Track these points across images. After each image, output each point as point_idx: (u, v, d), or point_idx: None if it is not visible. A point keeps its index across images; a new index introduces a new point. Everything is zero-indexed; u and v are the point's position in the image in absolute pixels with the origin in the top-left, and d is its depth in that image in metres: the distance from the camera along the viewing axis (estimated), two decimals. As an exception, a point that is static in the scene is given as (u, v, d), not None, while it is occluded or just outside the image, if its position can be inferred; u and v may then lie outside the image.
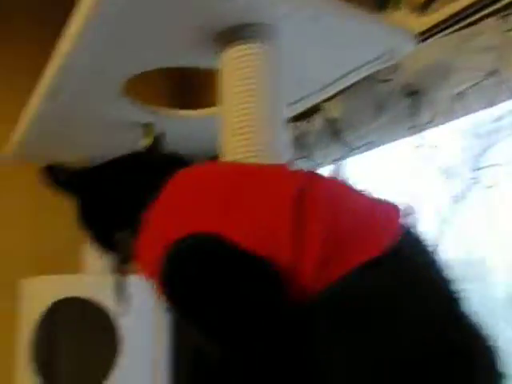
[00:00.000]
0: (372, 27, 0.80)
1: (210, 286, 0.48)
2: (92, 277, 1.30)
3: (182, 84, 1.65)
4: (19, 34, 1.64)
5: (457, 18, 0.91)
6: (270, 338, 0.46)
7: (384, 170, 1.11)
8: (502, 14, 0.86)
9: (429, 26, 0.96)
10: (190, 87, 1.65)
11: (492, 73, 0.88)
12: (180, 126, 1.15)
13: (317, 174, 0.56)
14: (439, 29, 0.93)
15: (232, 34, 0.76)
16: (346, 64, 0.89)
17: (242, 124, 0.74)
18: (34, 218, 1.58)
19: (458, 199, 0.93)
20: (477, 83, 0.90)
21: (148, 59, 0.88)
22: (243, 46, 0.75)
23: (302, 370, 0.46)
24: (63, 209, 1.58)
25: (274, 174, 0.56)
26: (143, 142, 1.13)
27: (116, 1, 0.67)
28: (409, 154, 1.02)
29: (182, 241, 0.50)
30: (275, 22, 0.75)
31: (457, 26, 0.92)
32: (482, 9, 0.88)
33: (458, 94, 0.93)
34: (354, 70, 0.91)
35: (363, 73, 0.92)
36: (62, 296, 1.21)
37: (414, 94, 1.01)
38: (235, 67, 0.76)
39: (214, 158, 0.93)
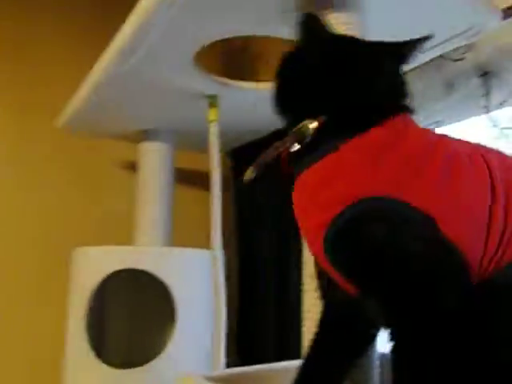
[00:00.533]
0: (460, 0, 0.78)
1: (399, 250, 0.48)
2: (146, 248, 1.32)
3: (247, 56, 1.65)
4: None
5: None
6: (453, 312, 0.46)
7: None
8: None
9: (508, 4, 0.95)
10: (254, 59, 1.65)
11: None
12: (245, 98, 1.16)
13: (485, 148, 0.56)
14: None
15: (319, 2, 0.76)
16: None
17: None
18: (89, 188, 1.61)
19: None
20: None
21: (220, 28, 0.89)
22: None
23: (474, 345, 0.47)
24: (118, 181, 1.62)
25: (468, 152, 0.54)
26: (207, 114, 1.14)
27: None
28: (479, 133, 1.00)
29: (371, 200, 0.48)
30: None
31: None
32: None
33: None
34: (437, 44, 0.90)
35: (447, 47, 0.91)
36: (116, 267, 1.22)
37: (486, 74, 0.99)
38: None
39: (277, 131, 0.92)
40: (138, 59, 0.96)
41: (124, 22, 0.91)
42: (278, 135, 0.58)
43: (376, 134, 0.52)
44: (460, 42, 0.90)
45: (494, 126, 0.98)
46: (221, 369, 1.05)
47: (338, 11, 0.74)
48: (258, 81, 1.14)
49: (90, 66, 1.08)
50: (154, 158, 1.37)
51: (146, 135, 1.37)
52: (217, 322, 1.05)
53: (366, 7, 0.76)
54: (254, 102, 1.15)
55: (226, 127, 1.18)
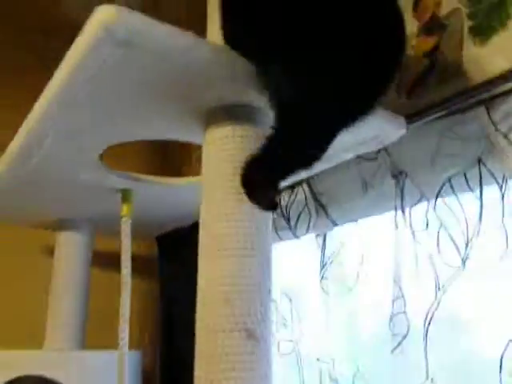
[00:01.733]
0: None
1: None
2: (48, 353, 1.22)
3: (163, 150, 1.64)
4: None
5: (444, 105, 0.91)
6: None
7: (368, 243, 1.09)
8: (487, 104, 0.86)
9: (417, 109, 0.96)
10: (171, 154, 1.64)
11: (476, 161, 0.88)
12: (159, 193, 1.12)
13: None
14: (427, 113, 0.93)
15: (220, 114, 0.74)
16: (336, 144, 0.88)
17: (226, 201, 0.71)
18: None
19: (443, 286, 0.90)
20: (461, 172, 0.89)
21: (130, 131, 0.86)
22: (230, 127, 0.73)
23: None
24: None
25: None
26: (122, 208, 1.09)
27: (100, 67, 0.64)
28: (392, 232, 1.00)
29: None
30: (264, 104, 0.73)
31: (443, 112, 0.92)
32: (469, 97, 0.89)
33: (443, 178, 0.92)
34: (343, 151, 0.90)
35: (351, 153, 0.91)
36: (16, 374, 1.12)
37: (399, 174, 1.00)
38: (220, 147, 0.73)
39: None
40: (40, 160, 0.91)
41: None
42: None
43: None
44: (369, 149, 0.90)
45: (406, 226, 0.97)
46: None
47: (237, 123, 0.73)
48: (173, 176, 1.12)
49: None
50: (70, 250, 1.29)
51: (62, 224, 1.30)
52: None
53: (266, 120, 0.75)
54: (168, 197, 1.12)
55: (147, 216, 1.15)
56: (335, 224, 1.13)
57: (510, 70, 0.83)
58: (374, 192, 1.05)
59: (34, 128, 0.80)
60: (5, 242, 1.50)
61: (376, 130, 0.83)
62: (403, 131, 0.86)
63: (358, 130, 0.82)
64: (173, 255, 1.44)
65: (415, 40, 1.03)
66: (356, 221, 1.09)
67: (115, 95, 0.71)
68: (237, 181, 0.70)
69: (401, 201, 0.99)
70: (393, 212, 0.99)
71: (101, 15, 0.57)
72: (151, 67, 0.64)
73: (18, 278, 1.50)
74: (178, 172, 1.49)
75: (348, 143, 0.88)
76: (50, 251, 1.42)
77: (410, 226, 0.97)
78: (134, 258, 1.28)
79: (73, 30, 0.65)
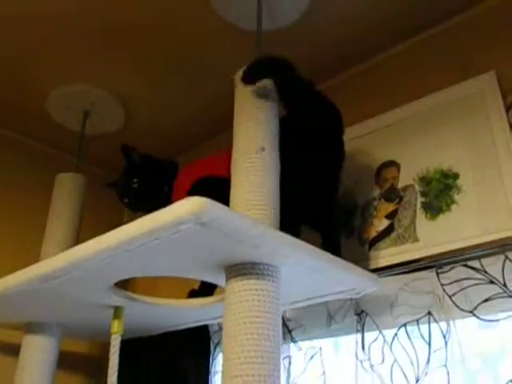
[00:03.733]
0: (348, 271, 0.99)
1: None
2: None
3: None
4: None
5: (402, 266, 1.15)
6: None
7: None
8: (438, 269, 1.11)
9: (377, 260, 1.20)
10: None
11: (427, 312, 1.11)
12: (147, 310, 1.22)
13: None
14: (389, 271, 1.16)
15: (240, 270, 0.90)
16: (318, 290, 1.07)
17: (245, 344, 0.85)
18: None
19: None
20: (415, 319, 1.12)
21: (155, 272, 0.98)
22: (248, 281, 0.88)
23: None
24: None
25: None
26: (113, 325, 1.17)
27: (171, 233, 0.78)
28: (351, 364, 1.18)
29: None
30: (280, 264, 0.90)
31: (401, 270, 1.16)
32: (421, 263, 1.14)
33: (399, 324, 1.14)
34: (322, 296, 1.09)
35: (329, 298, 1.10)
36: None
37: (361, 313, 1.20)
38: (239, 299, 0.88)
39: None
40: (59, 284, 0.99)
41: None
42: None
43: None
44: (346, 297, 1.10)
45: (365, 359, 1.16)
46: None
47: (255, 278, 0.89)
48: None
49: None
50: (36, 354, 1.31)
51: (32, 327, 1.32)
52: None
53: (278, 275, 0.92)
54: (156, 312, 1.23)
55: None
56: (299, 348, 1.29)
57: (453, 250, 1.09)
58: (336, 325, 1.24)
59: (74, 259, 0.90)
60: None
61: (355, 284, 1.03)
62: (376, 287, 1.06)
63: (339, 283, 1.03)
64: (134, 361, 1.50)
65: (377, 203, 1.29)
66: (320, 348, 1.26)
67: (167, 251, 0.84)
68: (255, 328, 0.85)
69: (362, 334, 1.19)
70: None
71: (192, 207, 0.72)
72: (210, 240, 0.80)
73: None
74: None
75: (328, 291, 1.07)
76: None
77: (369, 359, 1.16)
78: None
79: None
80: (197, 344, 1.47)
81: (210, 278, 1.02)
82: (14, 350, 1.37)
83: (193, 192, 1.15)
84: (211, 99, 1.63)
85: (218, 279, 1.01)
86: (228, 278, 0.91)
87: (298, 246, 0.87)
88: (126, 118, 1.73)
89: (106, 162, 1.89)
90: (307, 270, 0.94)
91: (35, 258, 1.37)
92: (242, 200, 0.95)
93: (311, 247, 0.90)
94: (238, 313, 0.86)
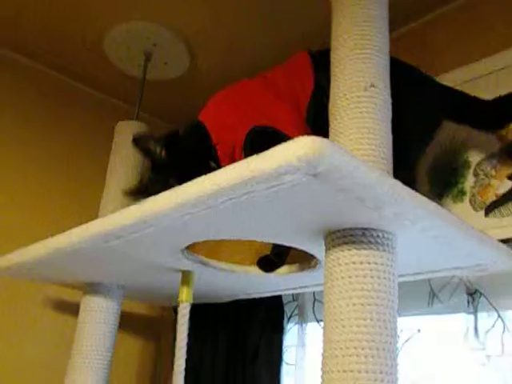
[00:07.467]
0: (482, 243, 0.78)
1: None
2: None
3: None
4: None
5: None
6: None
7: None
8: None
9: (499, 236, 0.97)
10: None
11: None
12: (218, 276, 1.07)
13: None
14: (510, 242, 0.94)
15: (347, 237, 0.71)
16: (433, 264, 0.87)
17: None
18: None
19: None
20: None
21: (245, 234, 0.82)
22: (357, 252, 0.70)
23: None
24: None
25: None
26: (181, 291, 1.02)
27: (273, 186, 0.60)
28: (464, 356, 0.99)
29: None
30: (399, 232, 0.71)
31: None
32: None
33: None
34: (435, 271, 0.89)
35: (442, 274, 0.90)
36: None
37: (475, 292, 1.00)
38: (346, 274, 0.70)
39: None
40: (126, 242, 0.84)
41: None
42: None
43: None
44: (463, 274, 0.90)
45: (480, 349, 0.97)
46: None
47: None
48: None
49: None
50: (97, 315, 1.19)
51: (93, 287, 1.20)
52: None
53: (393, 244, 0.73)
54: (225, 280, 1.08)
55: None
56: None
57: None
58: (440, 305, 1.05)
59: (146, 216, 0.74)
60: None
61: (485, 258, 0.82)
62: (509, 263, 0.85)
63: (465, 257, 0.82)
64: (199, 329, 1.37)
65: (497, 160, 1.06)
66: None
67: (260, 208, 0.66)
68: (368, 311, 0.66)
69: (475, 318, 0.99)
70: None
71: (304, 150, 0.53)
72: (319, 196, 0.61)
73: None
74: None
75: (444, 266, 0.87)
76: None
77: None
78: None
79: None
80: (269, 316, 1.31)
81: (300, 245, 0.84)
82: (73, 310, 1.27)
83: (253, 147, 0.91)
84: (293, 37, 1.38)
85: (312, 247, 0.83)
86: (330, 247, 0.73)
87: (430, 210, 0.67)
88: (190, 60, 1.54)
89: (168, 111, 1.72)
90: (430, 240, 0.74)
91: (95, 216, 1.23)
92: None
93: (445, 211, 0.69)
94: (344, 291, 0.68)
